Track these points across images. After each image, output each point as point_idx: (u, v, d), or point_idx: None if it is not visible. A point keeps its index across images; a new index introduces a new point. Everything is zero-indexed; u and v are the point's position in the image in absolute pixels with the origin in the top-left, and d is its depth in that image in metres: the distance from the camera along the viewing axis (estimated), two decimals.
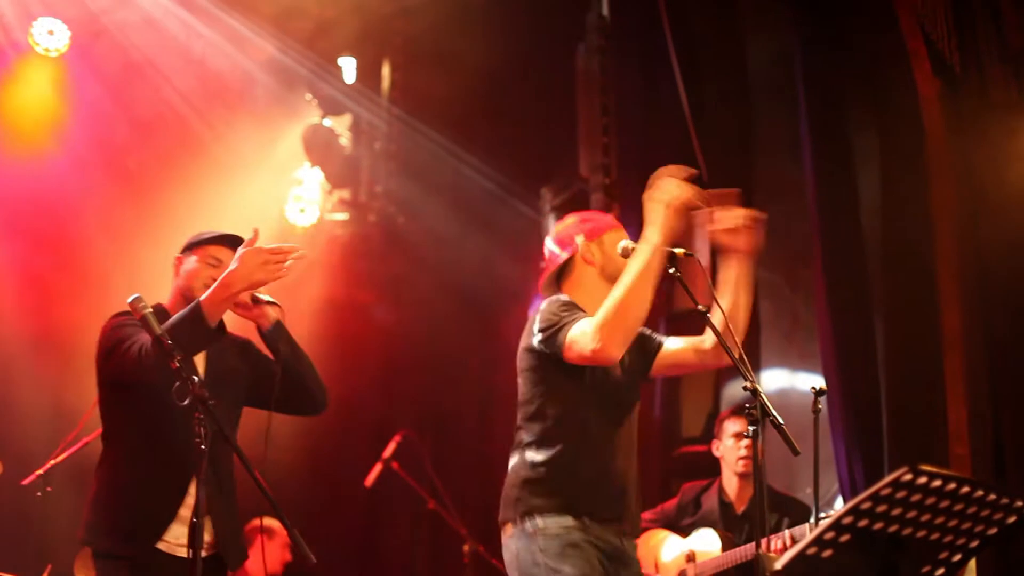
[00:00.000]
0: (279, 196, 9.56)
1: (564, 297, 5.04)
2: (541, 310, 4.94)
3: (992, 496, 3.18)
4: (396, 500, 9.14)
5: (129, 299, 3.97)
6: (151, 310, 3.96)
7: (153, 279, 7.88)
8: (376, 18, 9.17)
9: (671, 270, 4.57)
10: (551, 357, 4.80)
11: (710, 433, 7.20)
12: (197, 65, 8.86)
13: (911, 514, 3.10)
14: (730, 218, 5.08)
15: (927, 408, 6.75)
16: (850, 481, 6.75)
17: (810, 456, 4.37)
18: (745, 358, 4.31)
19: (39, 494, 6.41)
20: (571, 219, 5.40)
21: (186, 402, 3.78)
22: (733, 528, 6.57)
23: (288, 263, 4.48)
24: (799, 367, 8.49)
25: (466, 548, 8.26)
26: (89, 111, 8.44)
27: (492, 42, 9.02)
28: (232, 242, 4.88)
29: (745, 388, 4.24)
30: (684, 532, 6.67)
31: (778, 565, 3.16)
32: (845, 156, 7.17)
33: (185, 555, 4.29)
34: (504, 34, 9.03)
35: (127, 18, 8.48)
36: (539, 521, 4.83)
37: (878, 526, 3.11)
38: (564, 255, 5.15)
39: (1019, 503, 3.22)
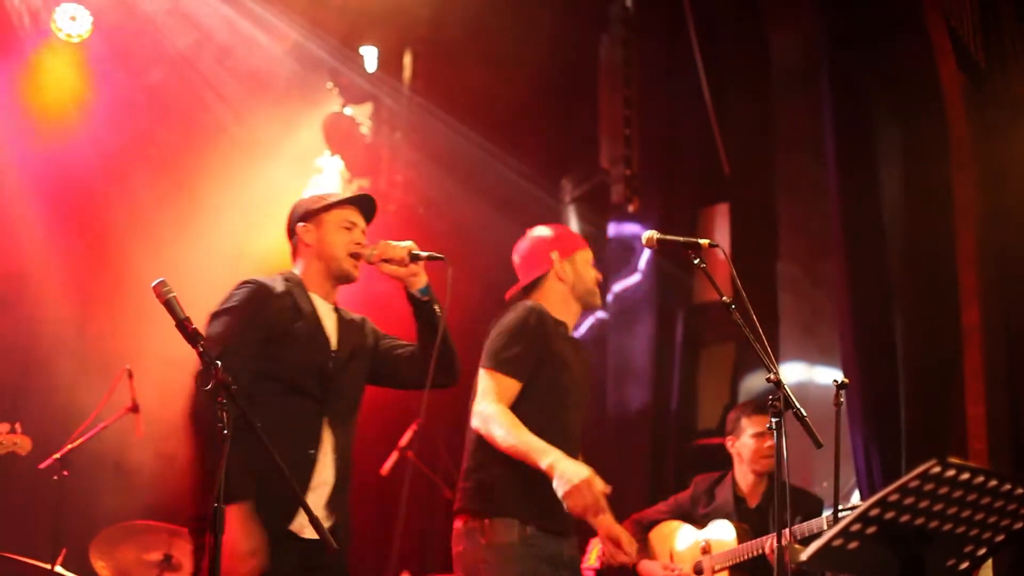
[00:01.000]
0: (299, 184, 9.56)
1: (532, 304, 5.16)
2: (504, 323, 5.05)
3: (1019, 490, 3.18)
4: (412, 489, 9.15)
5: (153, 283, 3.94)
6: (174, 295, 3.93)
7: (175, 260, 7.95)
8: (399, 7, 9.15)
9: (696, 260, 4.57)
10: None
11: (726, 427, 7.19)
12: (219, 51, 8.85)
13: (937, 507, 3.10)
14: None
15: (946, 402, 6.72)
16: (867, 475, 6.73)
17: (824, 449, 4.36)
18: (769, 350, 4.30)
19: (55, 478, 6.41)
20: (542, 233, 5.50)
21: (208, 387, 3.77)
22: (746, 522, 6.57)
23: None
24: (818, 360, 8.47)
25: None
26: (111, 96, 8.45)
27: (515, 32, 9.01)
28: (360, 203, 4.81)
29: (768, 380, 4.24)
30: (698, 524, 6.67)
31: (803, 556, 3.16)
32: (868, 150, 7.14)
33: (312, 536, 4.31)
34: (527, 24, 9.01)
35: (150, 3, 8.49)
36: (487, 523, 4.91)
37: (904, 518, 3.11)
38: (538, 271, 5.28)
39: None
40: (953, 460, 3.00)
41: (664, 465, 8.98)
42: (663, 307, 9.46)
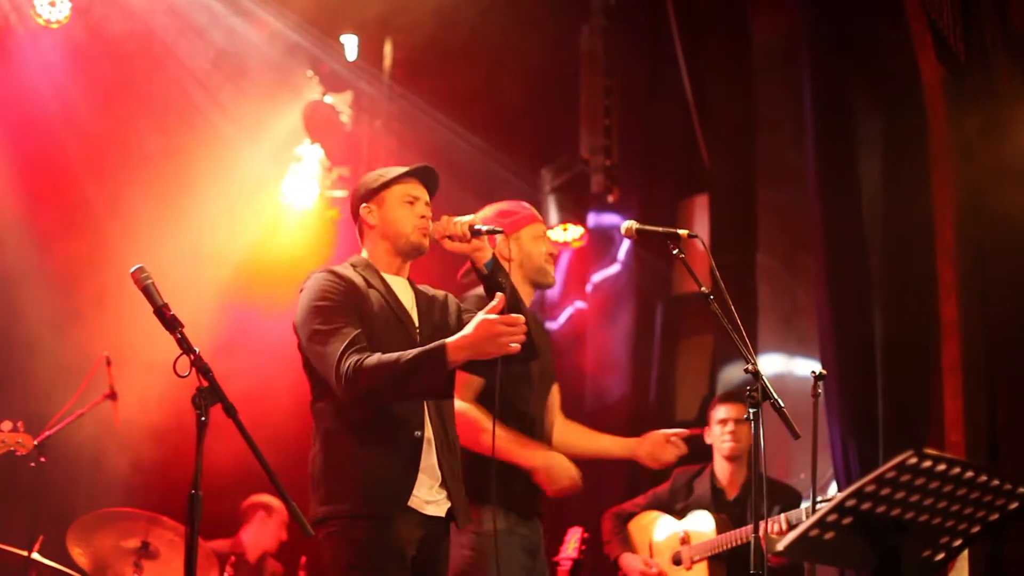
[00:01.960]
0: (278, 172, 9.54)
1: (469, 294, 5.17)
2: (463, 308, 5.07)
3: (995, 482, 3.18)
4: None
5: (132, 269, 3.92)
6: (152, 281, 3.91)
7: (153, 247, 7.93)
8: None
9: (675, 252, 4.57)
10: None
11: (705, 417, 7.21)
12: (199, 38, 8.82)
13: (914, 498, 3.11)
14: None
15: (923, 395, 6.76)
16: (845, 467, 6.76)
17: (802, 442, 4.37)
18: (747, 341, 4.31)
19: (32, 465, 6.36)
20: (489, 210, 5.47)
21: (187, 375, 3.76)
22: (724, 513, 6.58)
23: (515, 343, 4.21)
24: (797, 352, 8.50)
25: None
26: (90, 84, 8.41)
27: (496, 21, 8.99)
28: (420, 175, 4.72)
29: (746, 371, 4.25)
30: (677, 516, 6.69)
31: (780, 546, 3.17)
32: (848, 142, 7.16)
33: (433, 513, 4.39)
34: (508, 14, 8.99)
35: None
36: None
37: (881, 509, 3.11)
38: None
39: (1021, 489, 3.22)
40: (929, 451, 3.01)
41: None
42: (642, 298, 9.47)
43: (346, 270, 4.56)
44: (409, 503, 4.32)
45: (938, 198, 6.88)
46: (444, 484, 4.44)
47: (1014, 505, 3.27)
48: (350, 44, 9.70)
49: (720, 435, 6.75)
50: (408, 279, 4.71)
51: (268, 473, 3.80)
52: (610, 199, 9.65)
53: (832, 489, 7.18)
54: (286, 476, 3.94)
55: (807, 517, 4.83)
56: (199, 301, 7.72)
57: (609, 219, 9.73)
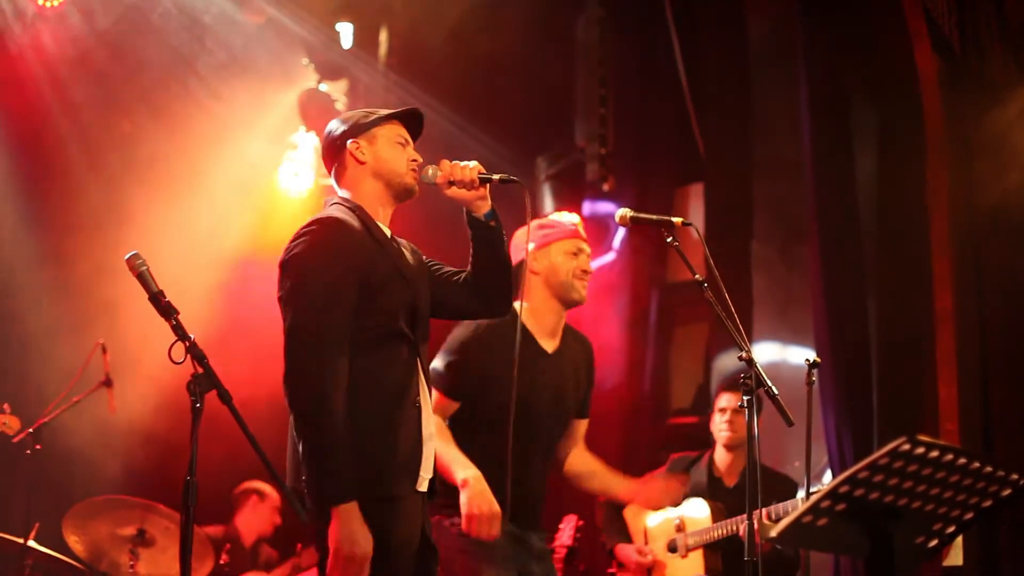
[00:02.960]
0: (274, 160, 9.54)
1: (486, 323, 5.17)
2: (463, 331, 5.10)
3: (988, 468, 3.19)
4: None
5: (126, 256, 3.90)
6: (147, 267, 3.89)
7: (148, 234, 7.92)
8: None
9: (669, 239, 4.56)
10: None
11: (700, 405, 7.23)
12: (195, 25, 8.81)
13: (907, 484, 3.11)
14: None
15: (918, 384, 6.77)
16: (839, 455, 6.78)
17: (797, 430, 4.38)
18: (741, 329, 4.32)
19: (28, 452, 6.37)
20: (534, 223, 5.38)
21: (182, 362, 3.76)
22: (722, 500, 6.60)
23: None
24: (791, 341, 8.51)
25: None
26: (84, 69, 8.40)
27: (491, 10, 9.00)
28: (407, 119, 4.45)
29: (740, 358, 4.25)
30: None
31: (773, 533, 3.17)
32: (843, 133, 7.16)
33: (422, 489, 4.20)
34: (504, 2, 8.99)
35: None
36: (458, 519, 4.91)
37: (874, 496, 3.12)
38: (516, 259, 5.10)
39: (1014, 476, 3.23)
40: (922, 438, 3.01)
41: (637, 444, 9.00)
42: (637, 286, 9.47)
43: (350, 218, 4.23)
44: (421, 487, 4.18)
45: (933, 189, 6.89)
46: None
47: (1007, 492, 3.27)
48: (346, 32, 9.70)
49: (719, 423, 6.79)
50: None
51: (263, 460, 3.79)
52: (605, 187, 9.65)
53: (827, 477, 7.20)
54: (280, 463, 3.95)
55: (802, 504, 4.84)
56: (194, 288, 7.73)
57: (604, 207, 9.72)
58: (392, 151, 4.34)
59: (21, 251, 8.13)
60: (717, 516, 6.45)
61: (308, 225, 4.21)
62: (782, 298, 8.69)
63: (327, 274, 4.08)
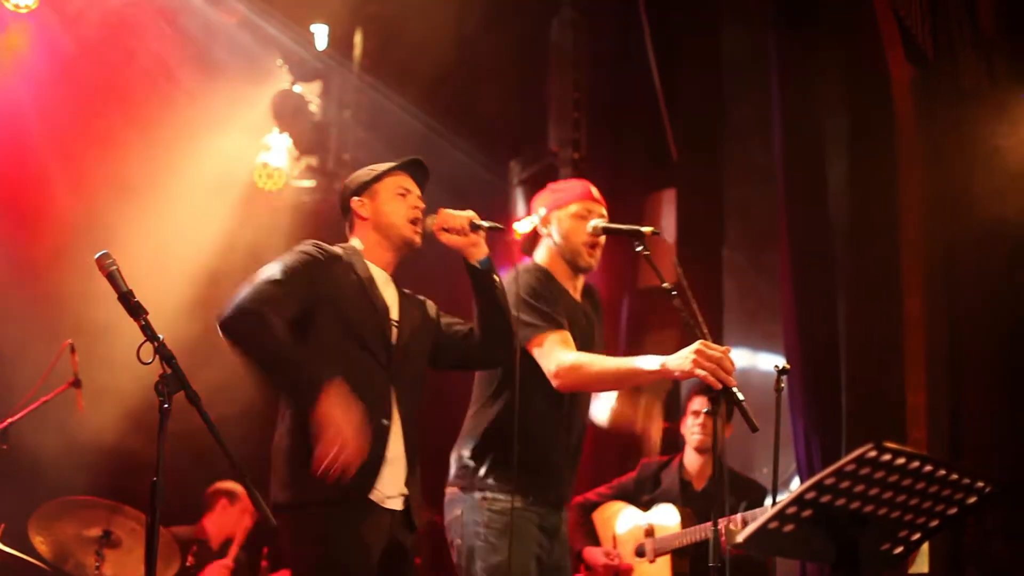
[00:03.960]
0: (247, 161, 9.50)
1: (533, 266, 5.09)
2: (520, 283, 4.95)
3: (954, 476, 3.20)
4: None
5: (96, 255, 3.90)
6: (117, 267, 3.89)
7: (118, 233, 7.87)
8: None
9: (639, 248, 4.58)
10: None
11: (670, 411, 7.23)
12: (168, 24, 8.77)
13: (873, 491, 3.12)
14: None
15: (887, 391, 6.80)
16: (808, 461, 6.80)
17: (766, 436, 4.39)
18: (708, 335, 4.33)
19: None
20: (552, 186, 5.42)
21: (150, 362, 3.75)
22: (692, 505, 6.60)
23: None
24: (761, 347, 8.52)
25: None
26: (57, 68, 8.36)
27: (465, 13, 8.99)
28: (412, 169, 4.73)
29: None
30: (643, 507, 6.70)
31: (739, 539, 3.18)
32: (815, 139, 7.20)
33: (394, 508, 4.35)
34: (478, 5, 8.99)
35: None
36: (488, 494, 4.89)
37: (840, 502, 3.12)
38: (530, 223, 5.18)
39: (980, 484, 3.24)
40: (889, 445, 3.02)
41: (607, 449, 8.99)
42: (608, 292, 9.46)
43: (334, 247, 4.54)
44: (371, 495, 4.27)
45: (904, 195, 6.92)
46: (408, 479, 4.41)
47: (973, 500, 3.28)
48: (320, 33, 9.69)
49: (691, 426, 6.79)
50: (392, 275, 4.67)
51: (231, 461, 3.78)
52: None
53: (795, 484, 7.22)
54: (253, 467, 3.93)
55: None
56: (165, 289, 7.69)
57: None
58: (391, 204, 4.63)
59: None
60: (687, 522, 6.44)
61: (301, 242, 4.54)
62: (752, 304, 8.71)
63: (288, 265, 4.36)
